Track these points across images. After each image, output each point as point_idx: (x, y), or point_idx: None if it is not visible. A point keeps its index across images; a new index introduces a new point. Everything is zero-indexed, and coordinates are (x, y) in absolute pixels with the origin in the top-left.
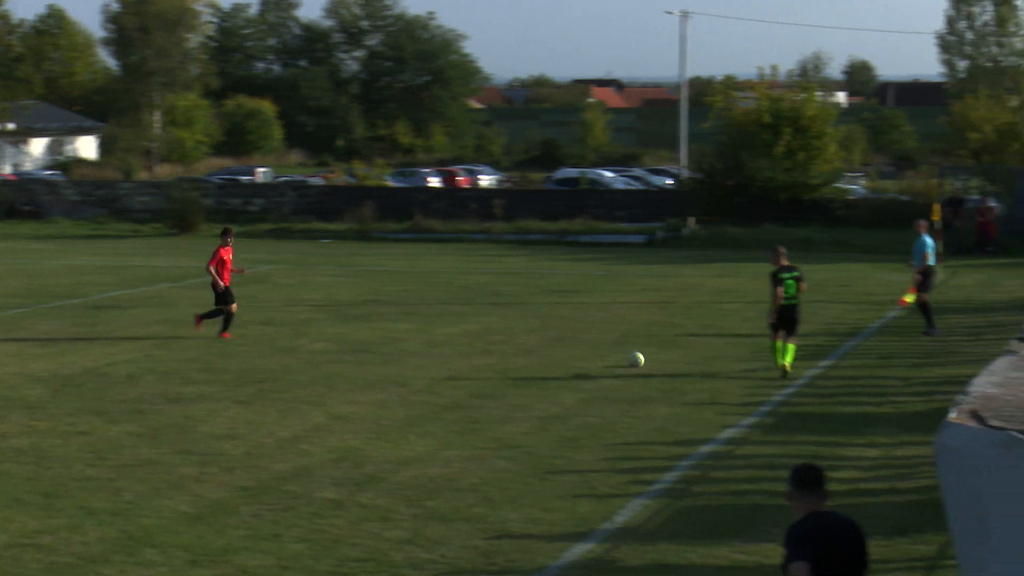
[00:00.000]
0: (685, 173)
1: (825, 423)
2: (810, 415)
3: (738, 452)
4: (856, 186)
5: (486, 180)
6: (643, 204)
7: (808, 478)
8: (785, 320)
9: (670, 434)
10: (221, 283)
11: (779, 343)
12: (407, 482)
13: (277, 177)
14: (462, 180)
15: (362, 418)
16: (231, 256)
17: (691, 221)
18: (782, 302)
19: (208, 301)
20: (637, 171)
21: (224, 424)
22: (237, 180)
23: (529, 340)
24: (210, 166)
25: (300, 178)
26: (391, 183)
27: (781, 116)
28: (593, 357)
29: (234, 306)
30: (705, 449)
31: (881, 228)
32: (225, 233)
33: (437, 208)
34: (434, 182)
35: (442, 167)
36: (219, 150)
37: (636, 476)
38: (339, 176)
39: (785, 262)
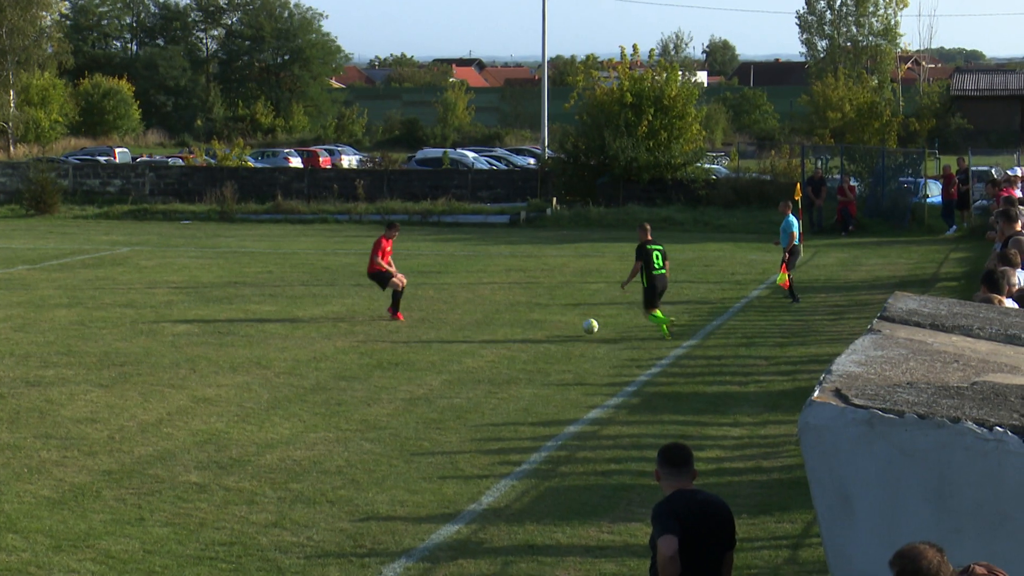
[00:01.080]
0: (548, 153)
1: (690, 403)
2: (675, 395)
3: (604, 432)
4: (718, 166)
5: (348, 161)
6: (506, 184)
7: (676, 458)
8: (660, 291)
9: (536, 415)
10: (383, 264)
11: (656, 312)
12: (272, 465)
13: (136, 158)
14: (323, 161)
15: (226, 401)
16: (390, 247)
17: (554, 202)
18: (655, 271)
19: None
20: (499, 151)
21: (85, 408)
22: (95, 160)
23: (391, 323)
24: (67, 146)
25: (159, 158)
26: (252, 164)
27: (643, 96)
28: (457, 338)
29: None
30: (571, 429)
31: (743, 208)
32: (391, 227)
33: (299, 189)
34: (295, 163)
35: (303, 148)
36: (76, 130)
37: (502, 457)
38: (199, 157)
39: (650, 237)
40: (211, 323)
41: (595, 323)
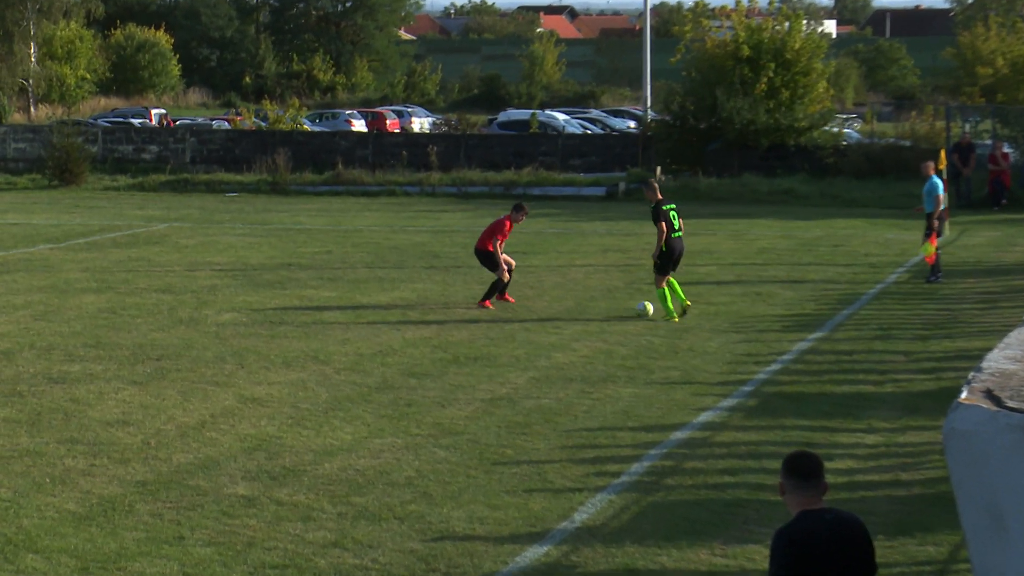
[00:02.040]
0: (650, 115)
1: (817, 405)
2: (800, 396)
3: (716, 439)
4: (849, 130)
5: (419, 124)
6: (601, 151)
7: (803, 468)
8: (677, 257)
9: (637, 419)
10: (497, 247)
11: (667, 288)
12: (331, 475)
13: (175, 120)
14: (391, 124)
15: (278, 401)
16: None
17: (658, 171)
18: (675, 234)
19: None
20: (594, 113)
21: (116, 408)
22: (128, 123)
23: (471, 310)
24: (96, 107)
25: (202, 121)
26: (308, 127)
27: (762, 49)
28: (546, 329)
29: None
30: (678, 436)
31: (877, 179)
32: (519, 209)
33: (362, 156)
34: (358, 126)
35: (367, 109)
36: (106, 89)
37: (598, 467)
38: (247, 119)
39: (661, 196)
40: (261, 311)
41: (650, 306)
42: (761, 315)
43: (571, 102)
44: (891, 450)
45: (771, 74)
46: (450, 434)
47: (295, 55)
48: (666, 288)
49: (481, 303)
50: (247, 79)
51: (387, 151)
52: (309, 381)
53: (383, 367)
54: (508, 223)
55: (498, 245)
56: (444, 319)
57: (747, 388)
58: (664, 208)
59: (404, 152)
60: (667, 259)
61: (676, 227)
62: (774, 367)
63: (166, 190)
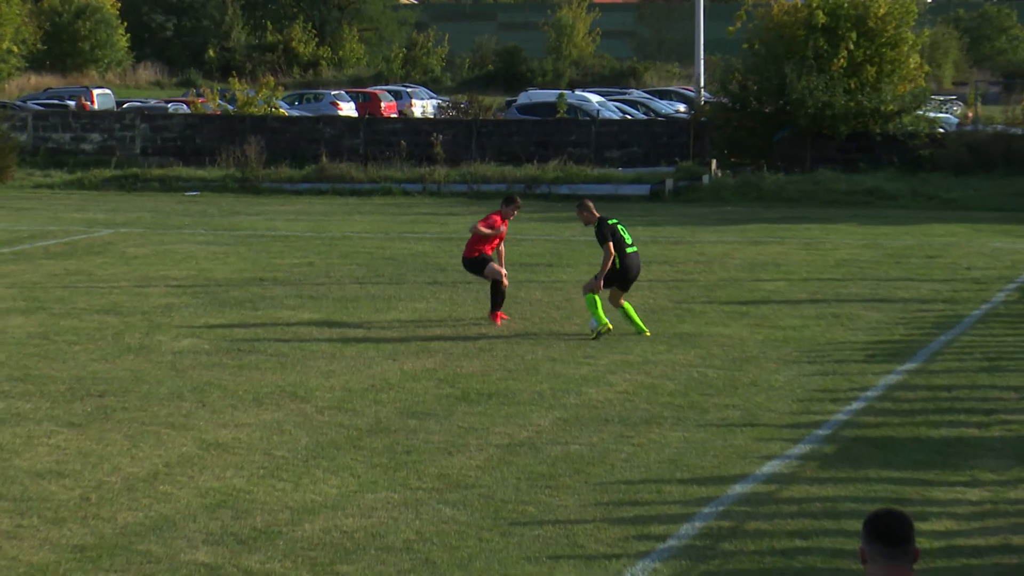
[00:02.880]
0: (703, 97)
1: (909, 452)
2: (887, 441)
3: (784, 494)
4: (947, 115)
5: (421, 107)
6: (645, 141)
7: (890, 532)
8: (633, 275)
9: (687, 469)
10: (484, 249)
11: (626, 304)
12: (313, 538)
13: (122, 102)
14: (386, 107)
15: (247, 447)
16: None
17: (713, 165)
18: (629, 250)
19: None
20: (635, 94)
21: (49, 456)
22: (64, 106)
23: (485, 334)
24: (25, 87)
25: (155, 104)
26: (286, 111)
27: (840, 16)
28: (576, 359)
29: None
30: (737, 490)
31: (982, 174)
32: (510, 201)
33: (351, 147)
34: (346, 110)
35: (358, 89)
36: (38, 64)
37: (639, 529)
38: (211, 102)
39: (597, 213)
40: (227, 337)
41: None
42: (840, 342)
43: (607, 81)
44: (999, 508)
45: (851, 46)
46: (458, 487)
47: (269, 23)
48: (597, 297)
49: (492, 316)
50: (211, 52)
51: (382, 141)
52: (286, 422)
53: (376, 405)
54: (498, 219)
55: (486, 245)
56: (451, 346)
57: (822, 432)
58: (610, 223)
59: (403, 142)
60: (622, 277)
61: (628, 242)
62: (856, 406)
63: (111, 188)
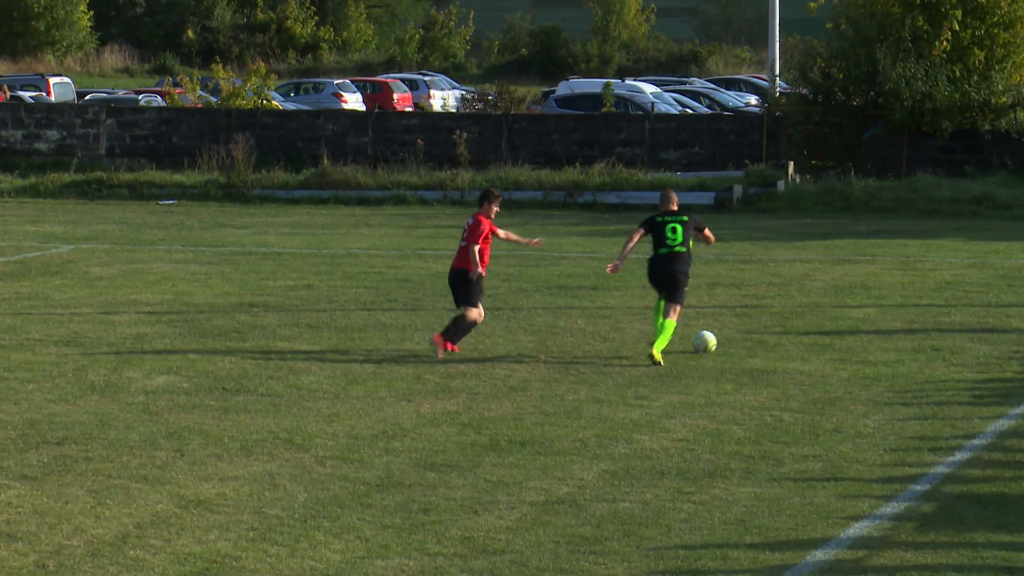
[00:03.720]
0: (779, 87)
1: (1022, 512)
2: (998, 499)
3: (875, 561)
4: None
5: (441, 99)
6: (708, 140)
7: None
8: (664, 276)
9: (759, 531)
10: (479, 269)
11: (668, 322)
12: None
13: (84, 93)
14: (400, 99)
15: (234, 504)
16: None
17: (790, 168)
18: (662, 250)
19: None
20: (697, 83)
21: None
22: (16, 98)
23: (517, 370)
24: None
25: (124, 95)
26: (279, 104)
27: None
28: (626, 400)
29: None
30: (819, 556)
31: None
32: (489, 197)
33: (358, 146)
34: (352, 102)
35: (366, 78)
36: None
37: None
38: (190, 92)
39: (675, 207)
40: (210, 373)
41: (711, 339)
42: (941, 380)
43: (663, 68)
44: None
45: (956, 26)
46: (486, 553)
47: (260, 0)
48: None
49: (440, 339)
50: (189, 33)
51: (395, 139)
52: (280, 475)
53: (388, 455)
54: (482, 221)
55: (477, 252)
56: (477, 385)
57: (920, 487)
58: (661, 220)
59: (419, 141)
60: (651, 277)
61: (672, 240)
62: (959, 456)
63: (72, 195)
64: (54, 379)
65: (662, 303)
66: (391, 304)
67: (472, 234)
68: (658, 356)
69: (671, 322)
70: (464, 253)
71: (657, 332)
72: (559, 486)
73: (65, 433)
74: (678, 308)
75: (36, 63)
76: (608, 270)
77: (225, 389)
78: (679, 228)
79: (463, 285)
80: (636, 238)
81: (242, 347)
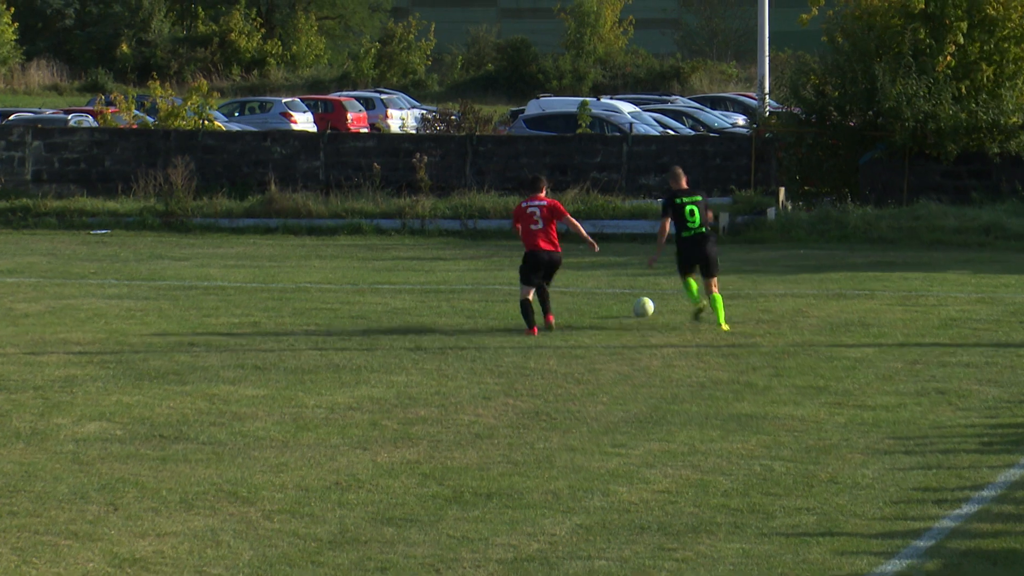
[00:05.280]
0: (769, 106)
1: None
2: (1007, 555)
3: None
4: None
5: (399, 118)
6: (692, 164)
7: None
8: (698, 256)
9: None
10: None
11: (692, 281)
12: None
13: (8, 112)
14: (354, 119)
15: (173, 562)
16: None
17: (781, 194)
18: (686, 233)
19: None
20: (680, 102)
21: None
22: None
23: (483, 416)
24: None
25: (52, 114)
26: (223, 125)
27: (947, 1)
28: (602, 448)
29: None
30: None
31: None
32: (534, 183)
33: (309, 171)
34: (302, 122)
35: (317, 96)
36: None
37: None
38: (125, 112)
39: (686, 185)
40: (146, 419)
41: (649, 304)
42: (947, 426)
43: (643, 85)
44: None
45: (962, 40)
46: None
47: (200, 9)
48: (691, 280)
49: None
50: (124, 48)
51: (349, 163)
52: (223, 531)
53: (341, 508)
54: (520, 209)
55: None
56: (439, 432)
57: (923, 543)
58: (679, 201)
59: (376, 164)
60: (683, 261)
61: (692, 223)
62: (966, 509)
63: None
64: None
65: (693, 282)
66: (345, 344)
67: (555, 212)
68: (727, 326)
69: (718, 296)
70: (544, 235)
71: (713, 310)
72: (529, 542)
73: None
74: (717, 279)
75: None
76: (649, 263)
77: (163, 437)
78: (696, 210)
79: (553, 266)
80: (667, 226)
81: (182, 390)
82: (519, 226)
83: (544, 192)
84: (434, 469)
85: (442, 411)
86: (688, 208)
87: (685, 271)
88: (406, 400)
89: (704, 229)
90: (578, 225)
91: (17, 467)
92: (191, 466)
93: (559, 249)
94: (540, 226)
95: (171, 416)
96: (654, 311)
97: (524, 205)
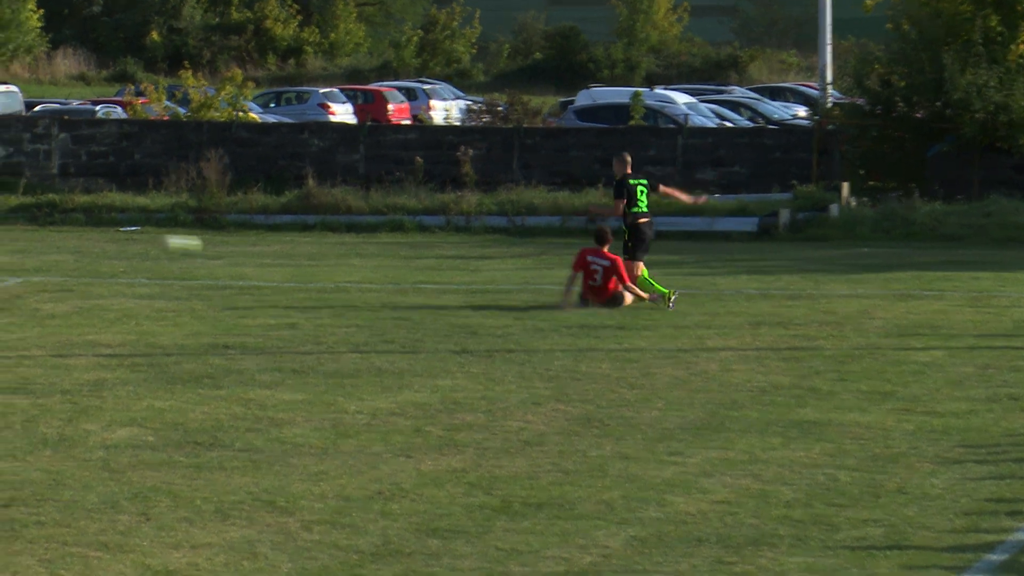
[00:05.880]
0: (831, 97)
1: None
2: None
3: None
4: None
5: (443, 110)
6: (750, 157)
7: None
8: (649, 237)
9: None
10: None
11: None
12: None
13: (33, 103)
14: (395, 110)
15: (209, 575)
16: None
17: (844, 189)
18: (636, 209)
19: None
20: (737, 92)
21: None
22: None
23: (533, 422)
24: None
25: (79, 105)
26: (258, 116)
27: None
28: (658, 456)
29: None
30: None
31: None
32: (600, 236)
33: (348, 165)
34: (341, 114)
35: (355, 86)
36: None
37: None
38: (155, 102)
39: (630, 171)
40: (179, 425)
41: (178, 240)
42: (1019, 433)
43: (699, 75)
44: None
45: None
46: None
47: None
48: (645, 271)
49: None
50: (154, 36)
51: (390, 156)
52: (260, 542)
53: (384, 519)
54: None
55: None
56: (487, 439)
57: (996, 556)
58: (631, 182)
59: (418, 158)
60: (637, 241)
61: (642, 204)
62: None
63: (19, 220)
64: None
65: (646, 272)
66: (387, 346)
67: (616, 273)
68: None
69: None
70: (601, 291)
71: (652, 287)
72: (581, 555)
73: (13, 493)
74: None
75: None
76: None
77: (197, 443)
78: (644, 191)
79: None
80: (621, 207)
81: (216, 395)
82: (577, 272)
83: (608, 247)
84: (481, 478)
85: (489, 417)
86: (639, 188)
87: (639, 254)
88: (451, 405)
89: (648, 211)
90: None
91: (44, 475)
92: (227, 474)
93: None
94: (598, 284)
95: (205, 422)
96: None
97: (589, 259)
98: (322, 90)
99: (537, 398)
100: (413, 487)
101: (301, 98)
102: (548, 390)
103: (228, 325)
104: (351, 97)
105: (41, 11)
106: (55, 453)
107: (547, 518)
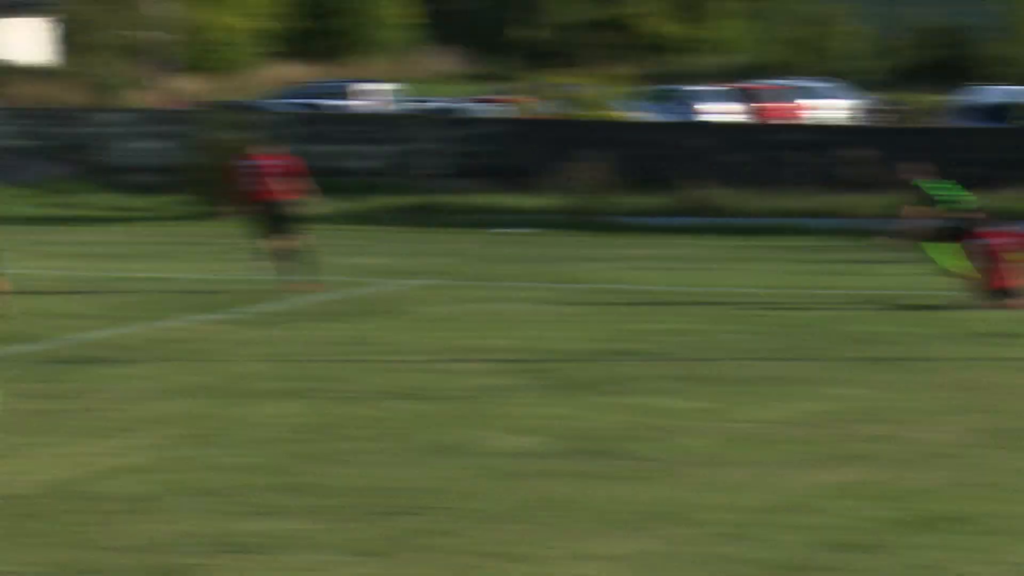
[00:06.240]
0: None
1: None
2: None
3: None
4: None
5: (831, 108)
6: None
7: None
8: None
9: None
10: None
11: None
12: None
13: (410, 101)
14: (782, 108)
15: None
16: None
17: None
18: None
19: None
20: None
21: None
22: (314, 106)
23: (941, 433)
24: (277, 77)
25: (459, 103)
26: (639, 115)
27: None
28: None
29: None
30: None
31: None
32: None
33: (731, 166)
34: (724, 112)
35: (737, 84)
36: (296, 48)
37: None
38: (539, 101)
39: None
40: (574, 432)
41: None
42: None
43: None
44: None
45: None
46: None
47: None
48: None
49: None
50: (529, 32)
51: (776, 158)
52: (662, 554)
53: (788, 532)
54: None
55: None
56: (895, 450)
57: None
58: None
59: (811, 157)
60: None
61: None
62: None
63: (397, 221)
64: (387, 438)
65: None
66: (784, 353)
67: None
68: None
69: None
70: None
71: None
72: (994, 573)
73: (407, 502)
74: None
75: (343, 67)
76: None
77: (589, 452)
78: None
79: None
80: None
81: (610, 402)
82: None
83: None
84: (890, 490)
85: (897, 427)
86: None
87: None
88: (854, 415)
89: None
90: None
91: (438, 482)
92: (605, 482)
93: None
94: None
95: (598, 429)
96: None
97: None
98: (697, 88)
99: (946, 408)
100: (816, 499)
101: (672, 97)
102: (957, 400)
103: (612, 328)
104: (736, 96)
105: (418, 9)
106: (448, 460)
107: (967, 533)
